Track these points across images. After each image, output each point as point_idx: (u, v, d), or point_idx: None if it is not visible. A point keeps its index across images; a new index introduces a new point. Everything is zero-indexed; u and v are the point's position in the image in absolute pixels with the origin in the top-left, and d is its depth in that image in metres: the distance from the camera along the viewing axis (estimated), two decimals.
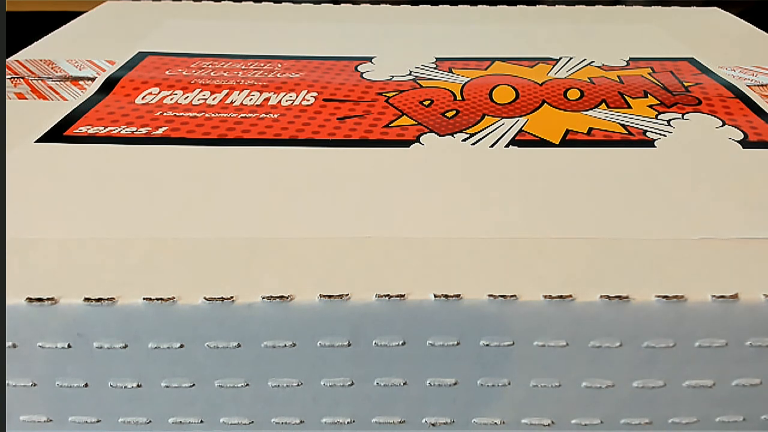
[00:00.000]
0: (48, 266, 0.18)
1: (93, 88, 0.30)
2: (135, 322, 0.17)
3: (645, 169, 0.24)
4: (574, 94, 0.30)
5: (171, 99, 0.29)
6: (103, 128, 0.26)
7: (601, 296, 0.17)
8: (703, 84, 0.31)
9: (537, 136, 0.26)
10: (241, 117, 0.27)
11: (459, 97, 0.29)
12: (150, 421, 0.19)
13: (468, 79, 0.32)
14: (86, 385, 0.18)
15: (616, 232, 0.20)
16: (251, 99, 0.29)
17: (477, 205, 0.21)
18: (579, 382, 0.19)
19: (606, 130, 0.27)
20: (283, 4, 0.45)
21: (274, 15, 0.43)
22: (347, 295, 0.17)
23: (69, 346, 0.17)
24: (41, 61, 0.33)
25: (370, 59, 0.34)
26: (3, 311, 0.17)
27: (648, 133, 0.26)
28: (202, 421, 0.19)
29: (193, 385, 0.18)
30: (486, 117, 0.28)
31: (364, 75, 0.32)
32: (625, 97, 0.30)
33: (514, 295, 0.17)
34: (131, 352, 0.18)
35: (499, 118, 0.27)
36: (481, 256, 0.19)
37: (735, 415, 0.19)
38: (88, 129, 0.26)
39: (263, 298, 0.17)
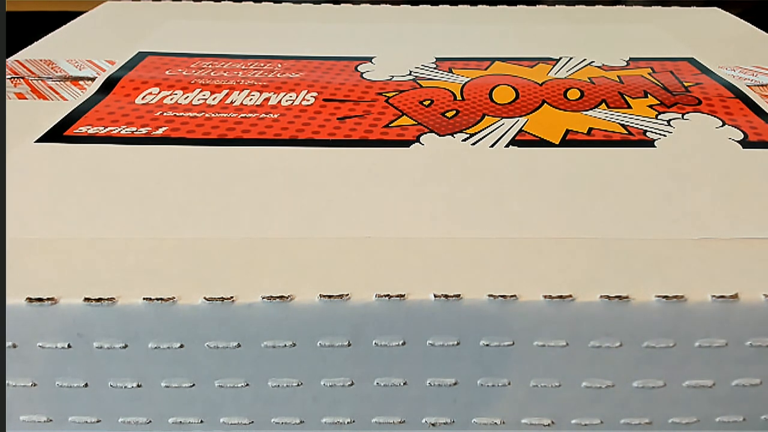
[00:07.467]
0: (48, 266, 0.18)
1: (93, 88, 0.30)
2: (135, 322, 0.17)
3: (645, 169, 0.24)
4: (574, 94, 0.30)
5: (171, 99, 0.29)
6: (103, 128, 0.26)
7: (601, 296, 0.17)
8: (703, 84, 0.31)
9: (537, 136, 0.26)
10: (241, 117, 0.27)
11: (459, 97, 0.29)
12: (150, 421, 0.19)
13: (468, 79, 0.32)
14: (86, 385, 0.18)
15: (616, 232, 0.20)
16: (251, 99, 0.29)
17: (477, 205, 0.21)
18: (579, 382, 0.19)
19: (606, 130, 0.27)
20: (283, 4, 0.45)
21: (274, 15, 0.43)
22: (347, 295, 0.17)
23: (69, 346, 0.17)
24: (41, 61, 0.33)
25: (370, 59, 0.34)
26: (3, 311, 0.17)
27: (648, 133, 0.26)
28: (202, 421, 0.19)
29: (193, 385, 0.18)
30: (486, 117, 0.28)
31: (364, 75, 0.32)
32: (625, 97, 0.30)
33: (514, 295, 0.17)
34: (131, 352, 0.18)
35: (499, 118, 0.27)
36: (481, 256, 0.19)
37: (735, 415, 0.19)
38: (88, 129, 0.26)
39: (263, 298, 0.17)
